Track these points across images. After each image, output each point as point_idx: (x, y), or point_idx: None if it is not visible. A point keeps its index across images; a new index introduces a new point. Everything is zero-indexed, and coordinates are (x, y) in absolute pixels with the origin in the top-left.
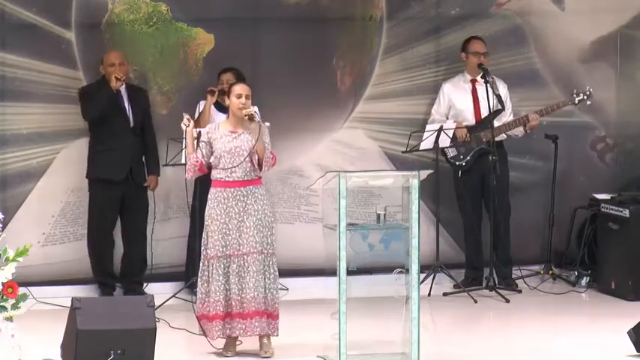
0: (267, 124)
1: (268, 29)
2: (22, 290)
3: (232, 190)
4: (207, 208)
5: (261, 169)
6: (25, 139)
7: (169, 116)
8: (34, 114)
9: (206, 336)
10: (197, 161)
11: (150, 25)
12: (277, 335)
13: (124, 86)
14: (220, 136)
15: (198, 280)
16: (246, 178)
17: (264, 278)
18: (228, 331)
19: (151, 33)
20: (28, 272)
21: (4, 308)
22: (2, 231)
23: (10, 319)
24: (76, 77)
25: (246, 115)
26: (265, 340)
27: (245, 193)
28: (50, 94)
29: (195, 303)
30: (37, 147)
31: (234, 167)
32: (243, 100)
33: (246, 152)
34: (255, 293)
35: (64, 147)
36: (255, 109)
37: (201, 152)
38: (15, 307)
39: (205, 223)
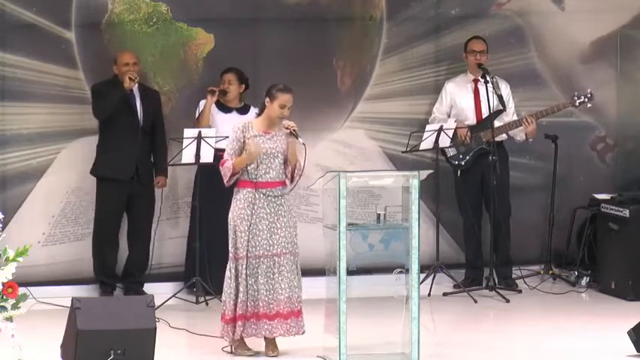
0: (302, 140)
1: (268, 29)
2: (22, 290)
3: (264, 190)
4: (234, 208)
5: (292, 181)
6: (25, 139)
7: (169, 116)
8: (34, 114)
9: (231, 338)
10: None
11: (150, 25)
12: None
13: (136, 86)
14: (254, 136)
15: (225, 279)
16: (277, 179)
17: (295, 279)
18: (253, 331)
19: (151, 33)
20: (29, 272)
21: (4, 308)
22: (2, 231)
23: (10, 319)
24: (76, 77)
25: (287, 128)
26: (271, 340)
27: (276, 193)
28: (50, 94)
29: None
30: (37, 147)
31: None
32: (286, 112)
33: (280, 154)
34: (290, 294)
35: (64, 147)
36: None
37: (235, 154)
38: (15, 307)
39: (233, 223)
